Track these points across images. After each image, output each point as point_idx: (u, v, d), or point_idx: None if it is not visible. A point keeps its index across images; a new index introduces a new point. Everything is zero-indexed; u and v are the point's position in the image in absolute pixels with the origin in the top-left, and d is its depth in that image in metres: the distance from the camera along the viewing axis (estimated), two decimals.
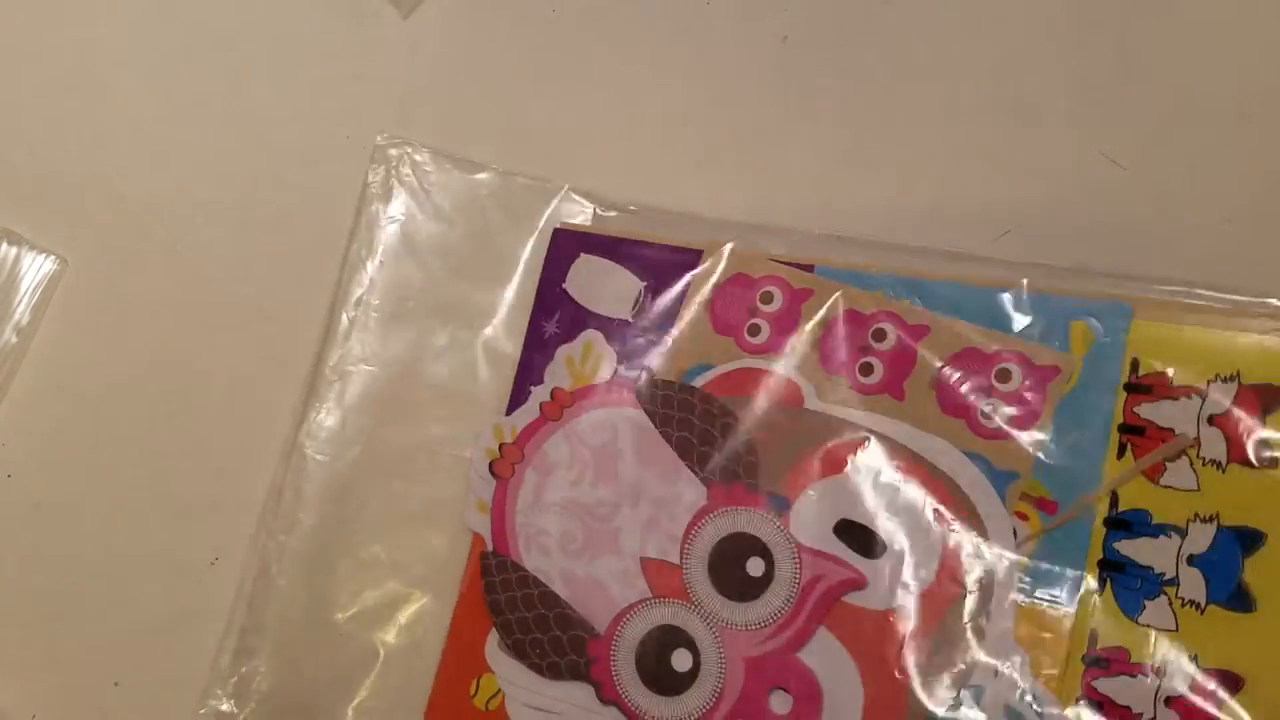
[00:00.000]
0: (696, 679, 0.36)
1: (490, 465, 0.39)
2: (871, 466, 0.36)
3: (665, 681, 0.36)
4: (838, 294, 0.37)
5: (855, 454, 0.36)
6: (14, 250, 0.44)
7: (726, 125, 0.43)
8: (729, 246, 0.39)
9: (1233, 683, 0.31)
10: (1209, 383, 0.33)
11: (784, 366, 0.37)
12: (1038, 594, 0.33)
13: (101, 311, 0.44)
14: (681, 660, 0.36)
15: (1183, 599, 0.32)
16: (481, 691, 0.38)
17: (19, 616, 0.42)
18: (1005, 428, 0.34)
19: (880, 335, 0.37)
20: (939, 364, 0.36)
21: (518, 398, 0.40)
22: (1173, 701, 0.32)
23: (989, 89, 0.44)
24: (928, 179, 0.44)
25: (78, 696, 0.42)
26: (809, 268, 0.38)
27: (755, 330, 0.38)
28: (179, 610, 0.42)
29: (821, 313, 0.37)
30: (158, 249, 0.44)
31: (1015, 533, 0.34)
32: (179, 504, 0.43)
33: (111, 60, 0.45)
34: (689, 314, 0.39)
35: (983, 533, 0.34)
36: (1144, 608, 0.32)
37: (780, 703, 0.35)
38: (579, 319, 0.40)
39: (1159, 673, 0.32)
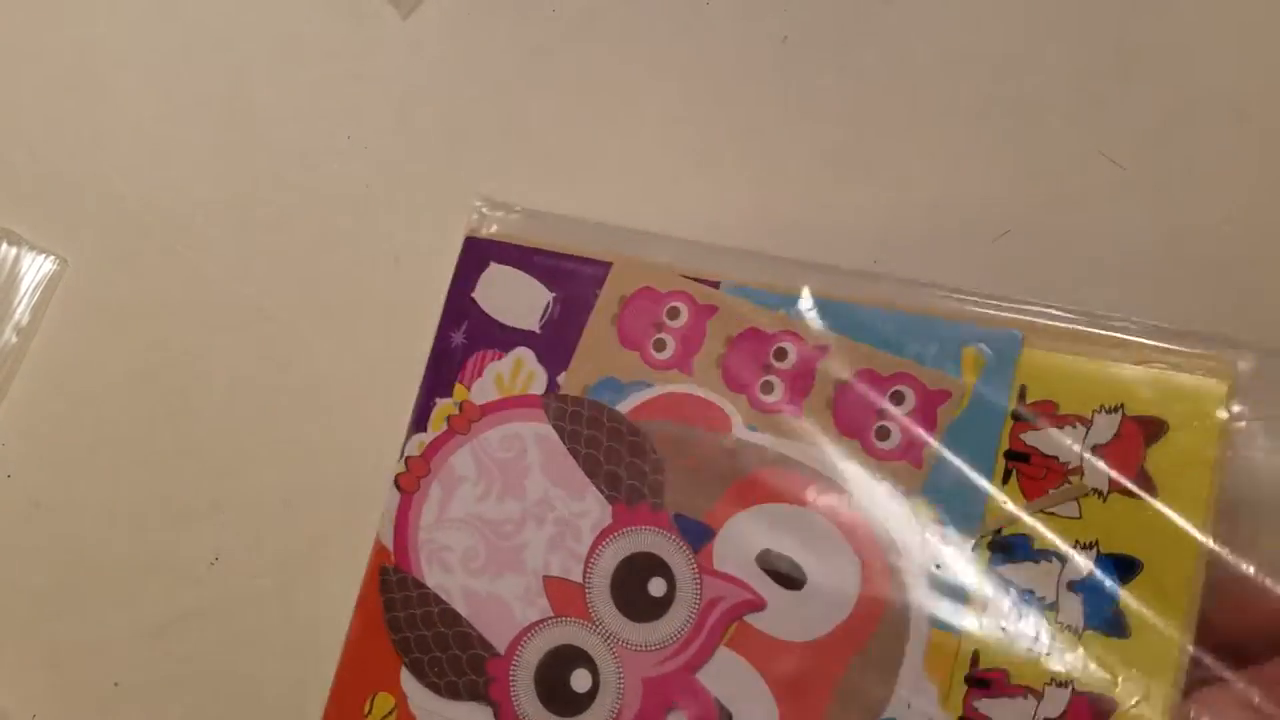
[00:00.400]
0: (595, 699, 0.36)
1: (396, 479, 0.39)
2: (792, 495, 0.36)
3: (564, 702, 0.36)
4: (741, 311, 0.38)
5: (775, 483, 0.36)
6: (14, 250, 0.44)
7: (725, 126, 0.44)
8: (638, 258, 0.39)
9: (1107, 706, 0.32)
10: (1094, 413, 0.34)
11: (711, 393, 0.37)
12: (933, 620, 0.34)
13: (101, 311, 0.44)
14: (581, 681, 0.36)
15: (1061, 624, 0.33)
16: (376, 710, 0.37)
17: (19, 616, 0.42)
18: (898, 449, 0.35)
19: (781, 354, 0.37)
20: (835, 385, 0.36)
21: (424, 410, 0.40)
22: None
23: (989, 89, 0.44)
24: (927, 179, 0.44)
25: (78, 696, 0.42)
26: (715, 284, 0.38)
27: (661, 345, 0.38)
28: (179, 610, 0.42)
29: (725, 329, 0.38)
30: (158, 249, 0.44)
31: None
32: (179, 504, 0.43)
33: (111, 60, 0.45)
34: (595, 326, 0.39)
35: (896, 558, 0.34)
36: (1022, 633, 0.33)
37: None
38: (487, 330, 0.40)
39: (1036, 695, 0.33)
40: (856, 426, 0.36)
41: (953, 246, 0.44)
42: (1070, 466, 0.33)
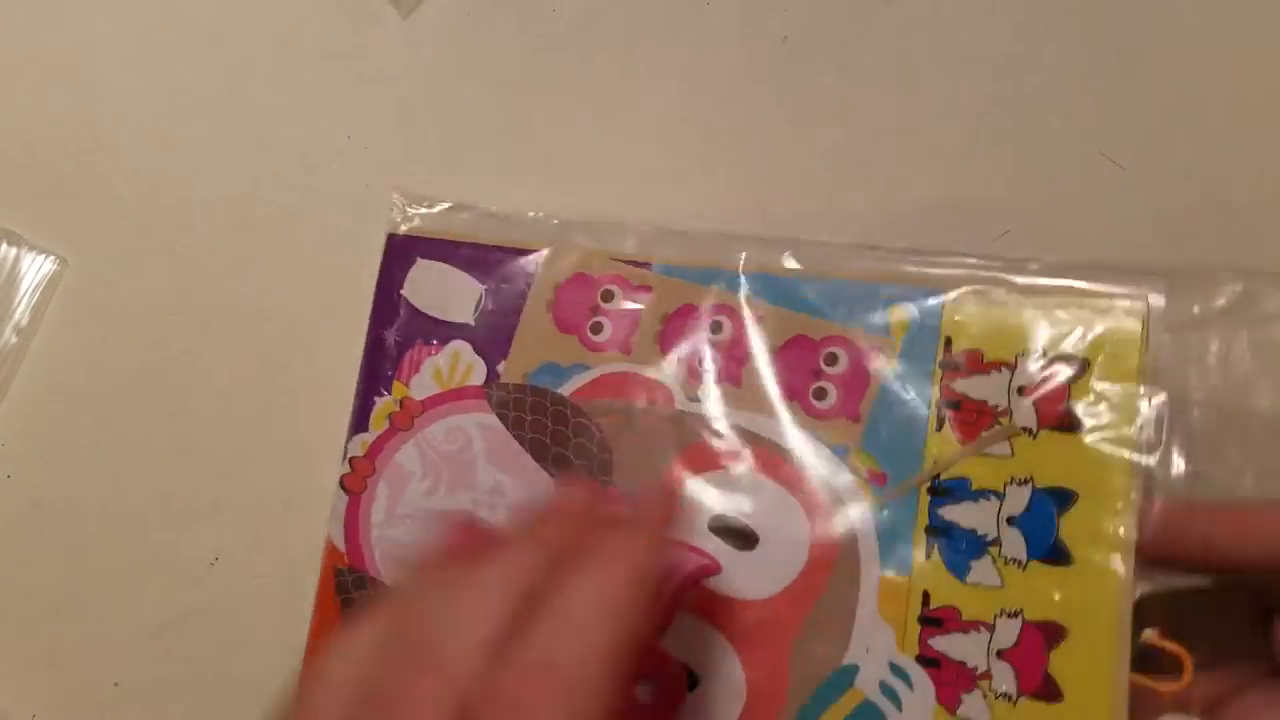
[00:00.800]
0: None
1: (342, 480, 0.39)
2: (737, 460, 0.37)
3: None
4: (674, 289, 0.39)
5: (720, 450, 0.37)
6: (14, 250, 0.44)
7: (725, 126, 0.44)
8: (568, 243, 0.40)
9: (1057, 632, 0.34)
10: (1017, 357, 0.36)
11: (651, 370, 0.38)
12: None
13: (101, 311, 0.44)
14: None
15: (1005, 557, 0.35)
16: None
17: (19, 616, 0.42)
18: (835, 407, 0.37)
19: (717, 327, 0.38)
20: (770, 353, 0.38)
21: (364, 410, 0.40)
22: (1004, 654, 0.34)
23: (989, 89, 0.44)
24: (927, 179, 0.44)
25: (78, 696, 0.42)
26: (647, 265, 0.39)
27: (598, 328, 0.39)
28: (179, 610, 0.42)
29: (660, 308, 0.39)
30: (158, 249, 0.44)
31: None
32: (179, 504, 0.43)
33: (111, 60, 0.45)
34: (531, 314, 0.39)
35: (843, 513, 0.36)
36: (970, 568, 0.35)
37: (644, 691, 0.36)
38: (421, 326, 0.40)
39: (988, 628, 0.34)
40: (794, 390, 0.37)
41: (954, 246, 0.44)
42: (1000, 409, 0.36)
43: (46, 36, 0.45)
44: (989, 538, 0.35)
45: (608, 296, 0.39)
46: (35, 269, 0.44)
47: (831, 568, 0.36)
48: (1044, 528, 0.34)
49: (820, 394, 0.37)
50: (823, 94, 0.44)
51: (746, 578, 0.36)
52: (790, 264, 0.39)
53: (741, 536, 0.37)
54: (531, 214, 0.41)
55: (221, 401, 0.43)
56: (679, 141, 0.44)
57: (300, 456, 0.43)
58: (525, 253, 0.40)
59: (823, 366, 0.37)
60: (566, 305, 0.39)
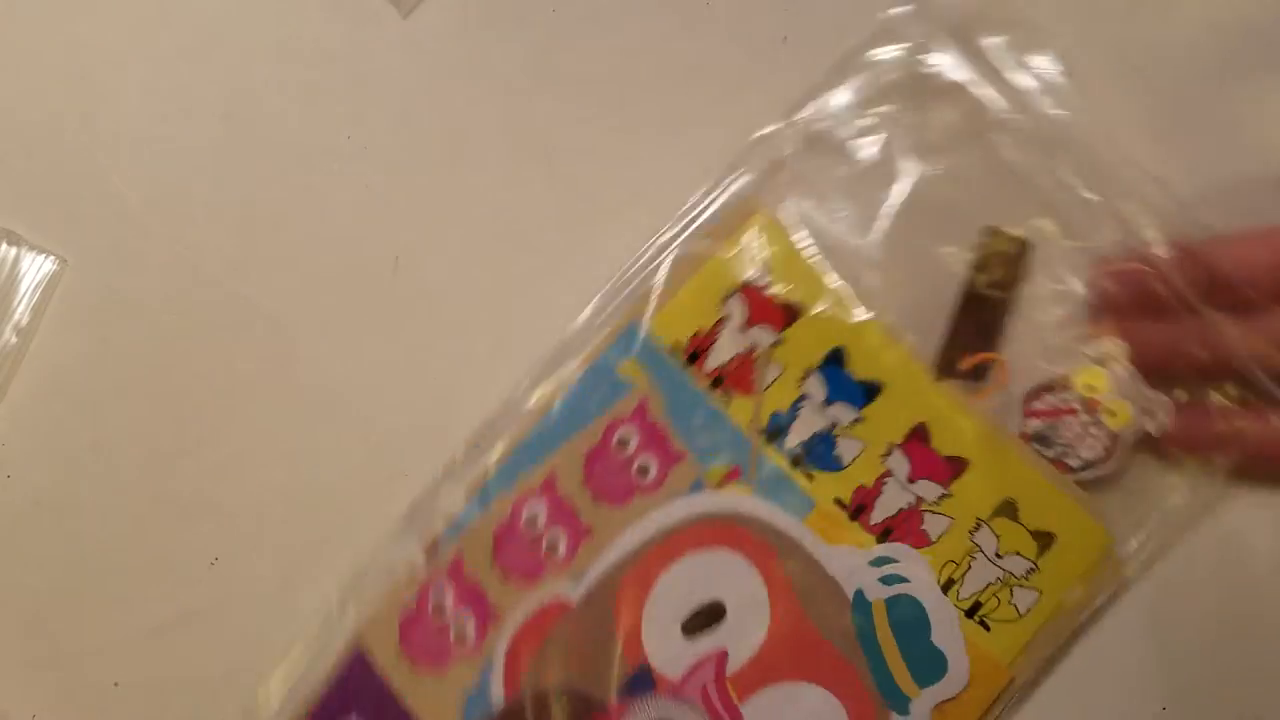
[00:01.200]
0: None
1: None
2: (661, 563, 0.40)
3: None
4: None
5: (650, 562, 0.40)
6: (14, 250, 0.44)
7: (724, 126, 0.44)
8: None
9: (923, 432, 0.40)
10: (720, 306, 0.41)
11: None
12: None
13: (101, 311, 0.44)
14: None
15: (847, 424, 0.40)
16: None
17: (19, 616, 0.42)
18: (658, 472, 0.40)
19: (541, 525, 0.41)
20: (580, 476, 0.41)
21: None
22: (910, 476, 0.40)
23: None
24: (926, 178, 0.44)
25: (78, 696, 0.42)
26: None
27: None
28: (179, 610, 0.42)
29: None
30: (158, 249, 0.44)
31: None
32: (179, 504, 0.43)
33: (111, 60, 0.45)
34: None
35: (748, 522, 0.40)
36: (839, 456, 0.40)
37: None
38: None
39: (888, 473, 0.40)
40: (623, 487, 0.40)
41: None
42: (746, 349, 0.41)
43: (46, 36, 0.45)
44: (826, 427, 0.40)
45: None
46: (35, 269, 0.44)
47: (781, 564, 0.40)
48: (848, 387, 0.41)
49: (643, 472, 0.40)
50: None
51: (739, 644, 0.39)
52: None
53: (711, 614, 0.39)
54: None
55: (221, 401, 0.43)
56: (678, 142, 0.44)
57: (300, 456, 0.43)
58: None
59: (623, 454, 0.40)
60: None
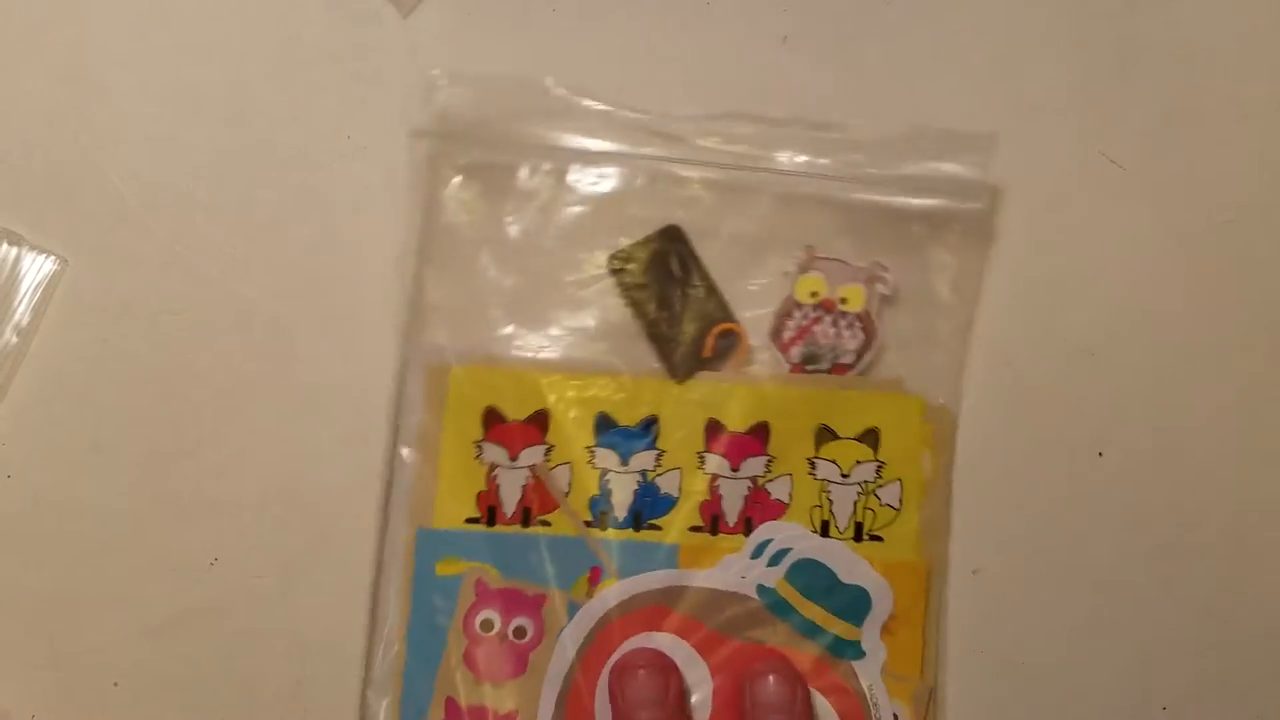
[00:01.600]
0: None
1: None
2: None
3: None
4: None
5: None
6: (14, 250, 0.44)
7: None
8: None
9: (715, 426, 0.42)
10: (480, 456, 0.42)
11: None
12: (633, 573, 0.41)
13: (101, 311, 0.44)
14: None
15: (652, 465, 0.42)
16: None
17: (19, 616, 0.42)
18: (536, 634, 0.41)
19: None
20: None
21: None
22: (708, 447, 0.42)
23: (989, 89, 0.44)
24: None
25: (78, 696, 0.42)
26: None
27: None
28: (179, 610, 0.42)
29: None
30: (158, 249, 0.44)
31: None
32: (179, 504, 0.43)
33: (111, 60, 0.45)
34: None
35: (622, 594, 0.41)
36: (667, 494, 0.42)
37: None
38: None
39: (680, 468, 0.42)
40: (514, 657, 0.41)
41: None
42: (529, 476, 0.42)
43: (46, 36, 0.45)
44: (639, 479, 0.42)
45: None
46: (35, 269, 0.44)
47: (685, 616, 0.41)
48: (628, 437, 0.42)
49: (520, 633, 0.41)
50: (822, 94, 0.44)
51: (698, 709, 0.40)
52: None
53: None
54: None
55: (221, 401, 0.43)
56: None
57: (300, 456, 0.43)
58: None
59: (493, 632, 0.41)
60: None
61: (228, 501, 0.42)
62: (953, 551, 0.42)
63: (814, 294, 0.42)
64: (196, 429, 0.43)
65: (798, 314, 0.42)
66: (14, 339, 0.43)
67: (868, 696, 0.40)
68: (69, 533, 0.42)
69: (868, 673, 0.40)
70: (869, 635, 0.40)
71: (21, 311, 0.43)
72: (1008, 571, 0.42)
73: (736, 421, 0.42)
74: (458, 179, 0.43)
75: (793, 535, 0.41)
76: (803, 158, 0.43)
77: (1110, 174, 0.44)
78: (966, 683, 0.41)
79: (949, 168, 0.42)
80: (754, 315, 0.42)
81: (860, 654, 0.40)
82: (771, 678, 0.39)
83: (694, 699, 0.40)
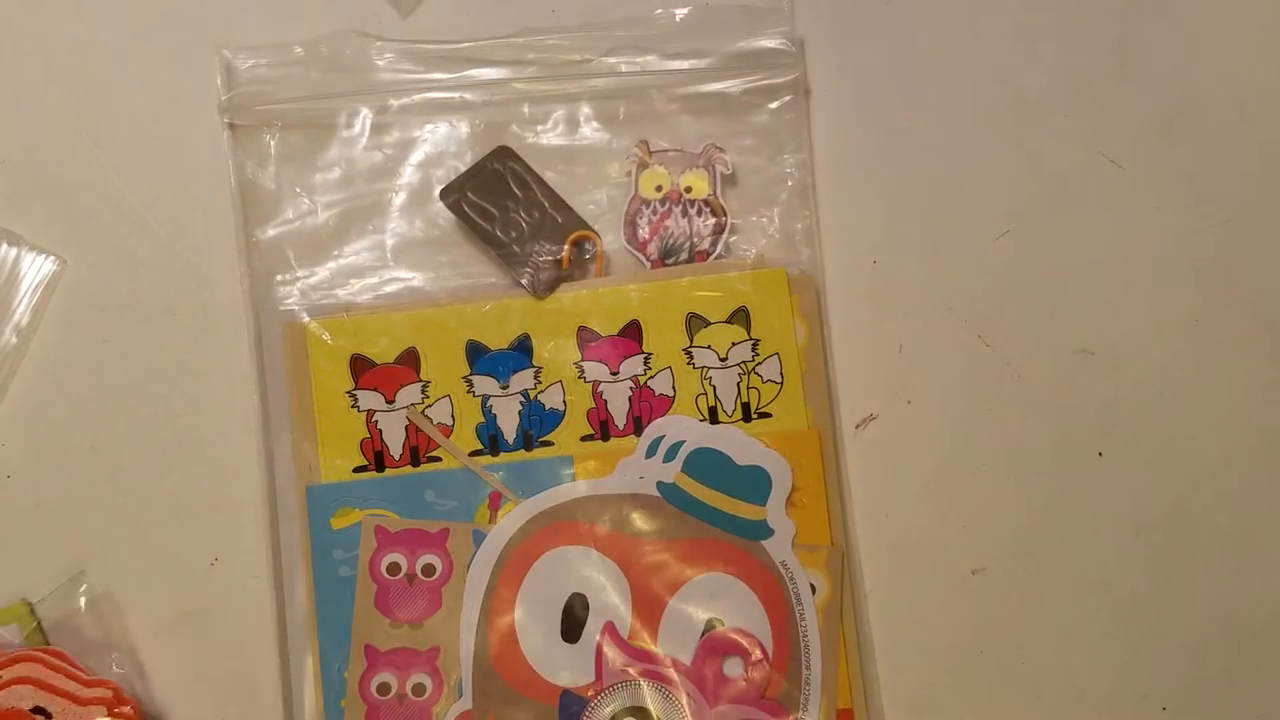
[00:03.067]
0: None
1: None
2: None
3: None
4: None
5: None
6: (14, 250, 0.44)
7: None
8: None
9: (587, 333, 0.42)
10: (355, 405, 0.42)
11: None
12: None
13: (101, 311, 0.44)
14: None
15: (533, 383, 0.42)
16: None
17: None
18: (431, 555, 0.41)
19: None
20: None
21: None
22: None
23: (989, 89, 0.44)
24: (927, 179, 0.44)
25: None
26: None
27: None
28: (179, 610, 0.42)
29: None
30: (158, 249, 0.44)
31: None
32: (179, 504, 0.43)
33: (111, 60, 0.45)
34: None
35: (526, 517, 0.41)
36: (553, 409, 0.42)
37: None
38: None
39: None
40: (427, 595, 0.41)
41: (954, 245, 0.44)
42: (409, 418, 0.42)
43: (45, 36, 0.45)
44: (522, 400, 0.42)
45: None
46: (35, 269, 0.44)
47: (592, 526, 0.41)
48: (504, 360, 0.42)
49: (430, 570, 0.41)
50: (822, 95, 0.44)
51: (618, 608, 0.40)
52: None
53: (577, 608, 0.41)
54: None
55: (221, 401, 0.43)
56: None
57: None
58: None
59: (402, 574, 0.41)
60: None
61: (228, 501, 0.43)
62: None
63: (659, 188, 0.42)
64: (196, 429, 0.43)
65: (647, 211, 0.42)
66: (14, 339, 0.43)
67: (782, 572, 0.40)
68: (69, 533, 0.42)
69: (779, 549, 0.40)
70: (774, 512, 0.40)
71: (21, 311, 0.43)
72: (1008, 572, 0.42)
73: (607, 325, 0.42)
74: (273, 139, 0.44)
75: (683, 428, 0.41)
76: (613, 60, 0.43)
77: (1110, 174, 0.44)
78: (874, 541, 0.42)
79: (757, 41, 0.43)
80: (605, 221, 0.43)
81: (769, 532, 0.40)
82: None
83: (615, 604, 0.40)
